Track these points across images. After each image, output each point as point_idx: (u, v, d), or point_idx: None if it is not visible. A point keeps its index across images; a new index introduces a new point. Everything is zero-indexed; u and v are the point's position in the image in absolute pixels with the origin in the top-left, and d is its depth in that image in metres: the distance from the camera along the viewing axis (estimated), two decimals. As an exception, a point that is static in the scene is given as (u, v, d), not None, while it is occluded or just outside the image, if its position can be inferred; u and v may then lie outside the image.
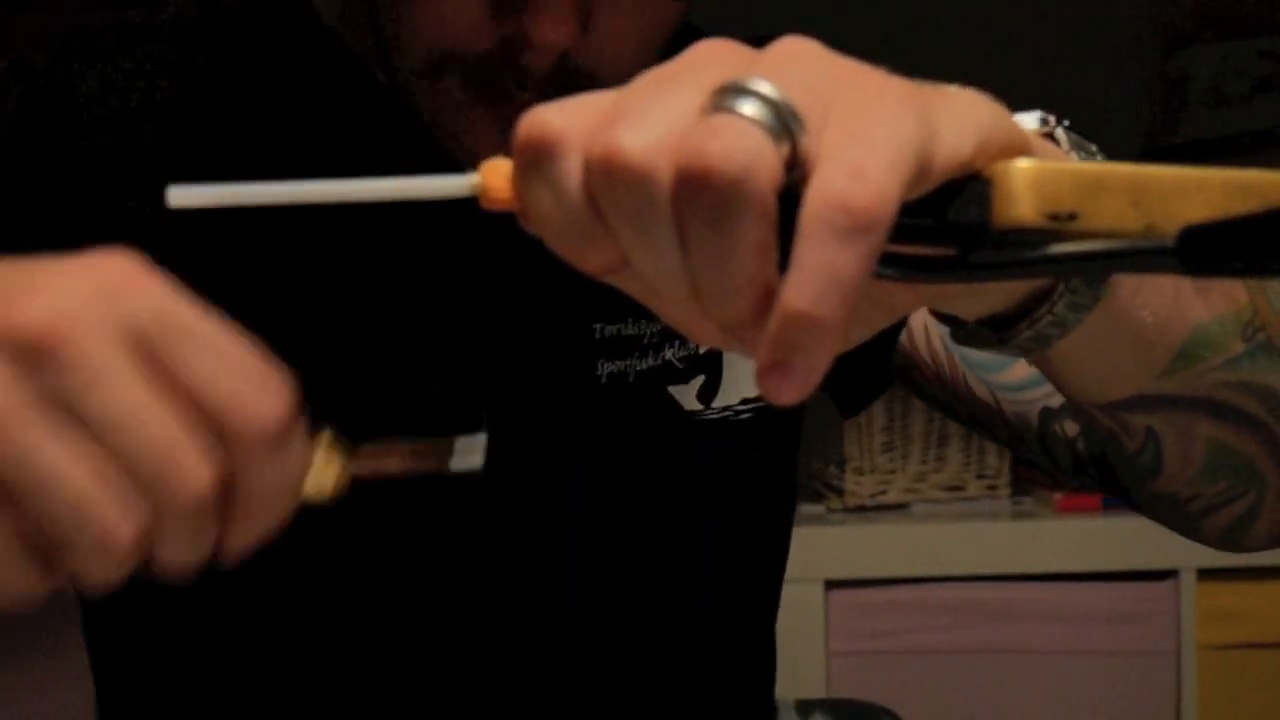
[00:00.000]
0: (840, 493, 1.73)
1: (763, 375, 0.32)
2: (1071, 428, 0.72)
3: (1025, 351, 0.46)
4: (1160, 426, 0.56)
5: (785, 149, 0.32)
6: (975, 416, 0.77)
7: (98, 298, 0.33)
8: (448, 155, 0.62)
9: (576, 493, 0.69)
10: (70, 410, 0.33)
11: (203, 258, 0.64)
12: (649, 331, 0.70)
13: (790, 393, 0.32)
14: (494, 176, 0.36)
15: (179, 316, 0.34)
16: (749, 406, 0.72)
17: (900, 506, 1.73)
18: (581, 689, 0.71)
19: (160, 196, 0.35)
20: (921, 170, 0.33)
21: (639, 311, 0.70)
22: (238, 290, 0.64)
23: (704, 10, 0.78)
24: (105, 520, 0.33)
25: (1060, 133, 0.47)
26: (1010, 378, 0.74)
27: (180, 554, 0.35)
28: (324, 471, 0.38)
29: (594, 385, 0.69)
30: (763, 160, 0.31)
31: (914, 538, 1.64)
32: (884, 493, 1.73)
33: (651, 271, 0.34)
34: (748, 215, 0.32)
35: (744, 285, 0.33)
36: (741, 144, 0.31)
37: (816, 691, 1.62)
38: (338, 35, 0.70)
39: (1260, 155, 1.81)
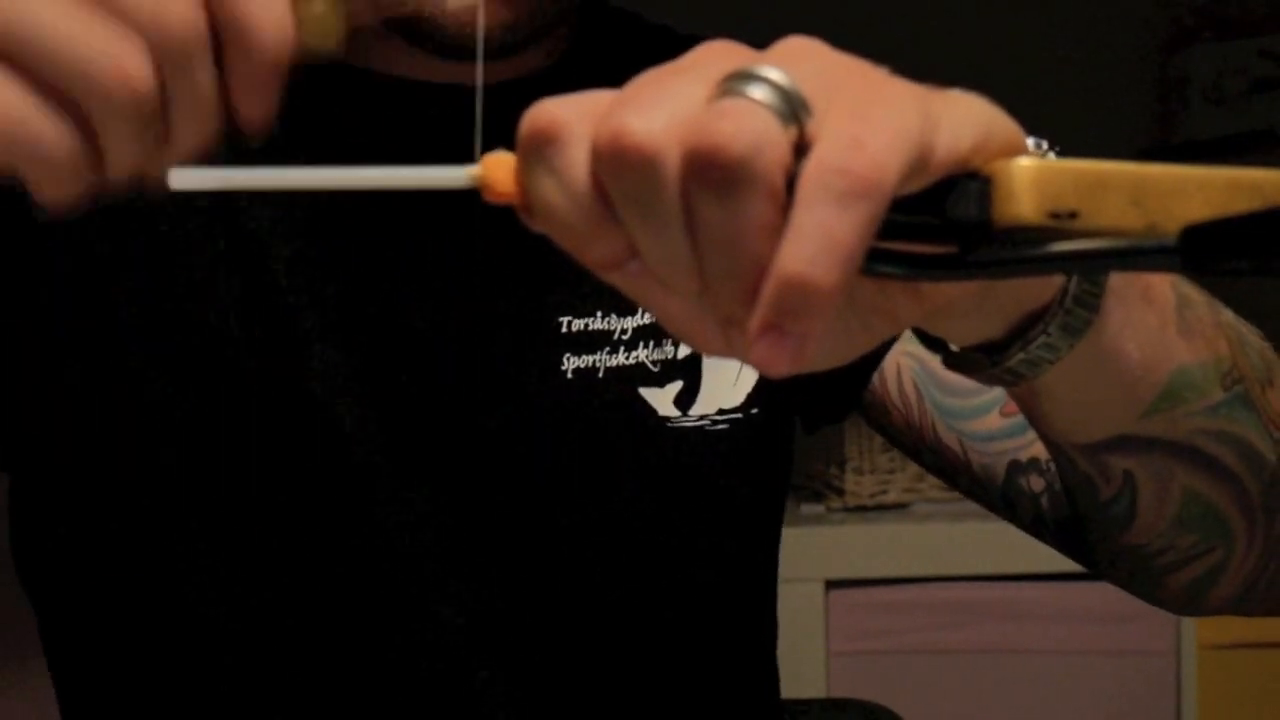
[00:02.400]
0: (840, 493, 1.73)
1: (754, 342, 0.32)
2: (1037, 483, 0.71)
3: (1016, 377, 0.46)
4: (1138, 471, 0.56)
5: (793, 133, 0.32)
6: (940, 465, 0.76)
7: None
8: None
9: (540, 489, 0.68)
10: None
11: (170, 246, 0.64)
12: (620, 327, 0.69)
13: (782, 362, 0.32)
14: (496, 169, 0.36)
15: None
16: (726, 418, 0.71)
17: (900, 506, 1.73)
18: (571, 694, 0.70)
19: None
20: (920, 159, 0.33)
21: (610, 305, 0.69)
22: (192, 282, 0.64)
23: (705, 12, 0.79)
24: (43, 132, 0.34)
25: (1052, 158, 0.47)
26: (981, 427, 0.73)
27: (127, 153, 0.35)
28: (325, 19, 0.39)
29: (558, 380, 0.68)
30: (771, 140, 0.31)
31: (914, 538, 1.64)
32: (884, 493, 1.73)
33: (658, 257, 0.34)
34: (756, 194, 0.32)
35: (751, 268, 0.32)
36: (750, 124, 0.31)
37: (816, 691, 1.62)
38: None
39: (1260, 155, 1.81)
